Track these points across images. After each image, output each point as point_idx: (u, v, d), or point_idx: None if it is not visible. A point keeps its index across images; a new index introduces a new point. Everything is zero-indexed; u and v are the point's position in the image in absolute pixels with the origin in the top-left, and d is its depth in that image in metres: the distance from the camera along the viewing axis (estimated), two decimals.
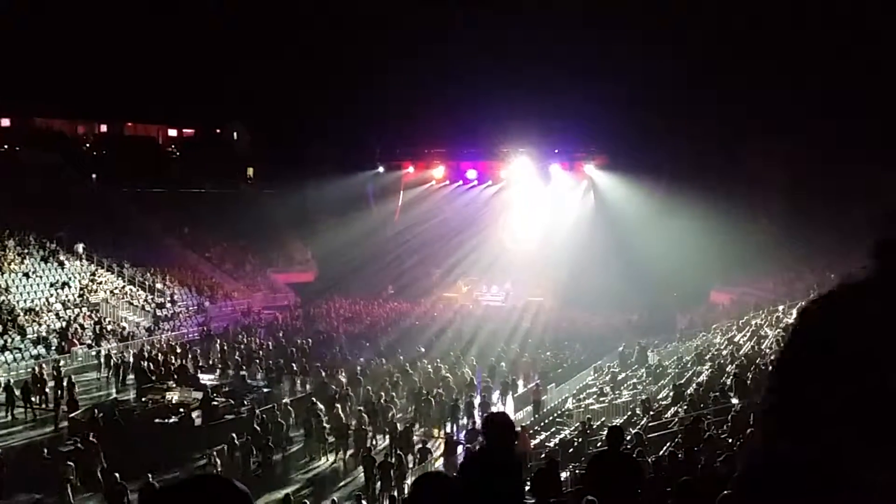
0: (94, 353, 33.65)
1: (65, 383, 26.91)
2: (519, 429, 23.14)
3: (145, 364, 29.90)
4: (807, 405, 1.28)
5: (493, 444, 4.87)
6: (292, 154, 54.27)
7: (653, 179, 46.11)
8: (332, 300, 46.65)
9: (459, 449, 21.91)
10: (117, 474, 17.81)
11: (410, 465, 20.57)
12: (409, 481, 19.83)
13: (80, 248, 41.95)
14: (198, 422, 23.74)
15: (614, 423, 18.64)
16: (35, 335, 33.51)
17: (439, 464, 21.08)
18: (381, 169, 54.20)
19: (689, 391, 22.83)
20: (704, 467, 10.72)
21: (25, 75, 50.10)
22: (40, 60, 50.10)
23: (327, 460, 22.78)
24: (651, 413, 21.58)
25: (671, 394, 23.39)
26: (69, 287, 38.88)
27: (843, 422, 1.23)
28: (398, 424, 23.32)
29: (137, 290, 41.70)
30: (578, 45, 45.84)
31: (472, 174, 53.27)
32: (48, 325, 34.78)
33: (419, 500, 2.71)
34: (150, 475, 17.10)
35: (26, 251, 39.68)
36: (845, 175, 40.07)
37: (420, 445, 21.86)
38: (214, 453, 20.16)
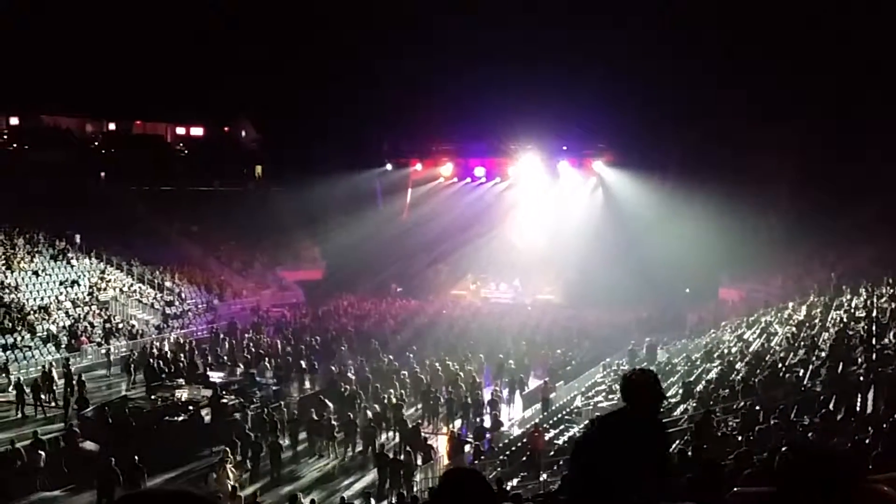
0: (103, 352, 33.78)
1: (74, 381, 27.06)
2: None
3: (155, 362, 29.97)
4: None
5: (633, 406, 4.14)
6: (300, 152, 54.27)
7: (661, 176, 45.95)
8: (340, 298, 46.71)
9: (466, 447, 21.92)
10: (113, 459, 18.08)
11: (419, 463, 20.62)
12: (417, 479, 19.88)
13: (77, 238, 42.14)
14: (207, 419, 23.81)
15: None
16: (45, 333, 33.68)
17: (446, 461, 21.08)
18: (388, 166, 54.18)
19: (698, 388, 22.77)
20: (714, 464, 10.65)
21: (33, 74, 50.22)
22: (48, 59, 50.20)
23: (336, 458, 22.80)
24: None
25: (680, 391, 23.31)
26: (79, 285, 39.04)
27: None
28: (407, 422, 23.35)
29: (146, 288, 41.85)
30: (585, 41, 45.64)
31: (480, 171, 53.18)
32: (58, 324, 34.93)
33: (451, 495, 2.67)
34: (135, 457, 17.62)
35: (35, 250, 39.88)
36: (854, 171, 39.90)
37: (427, 442, 21.88)
38: (225, 450, 20.17)
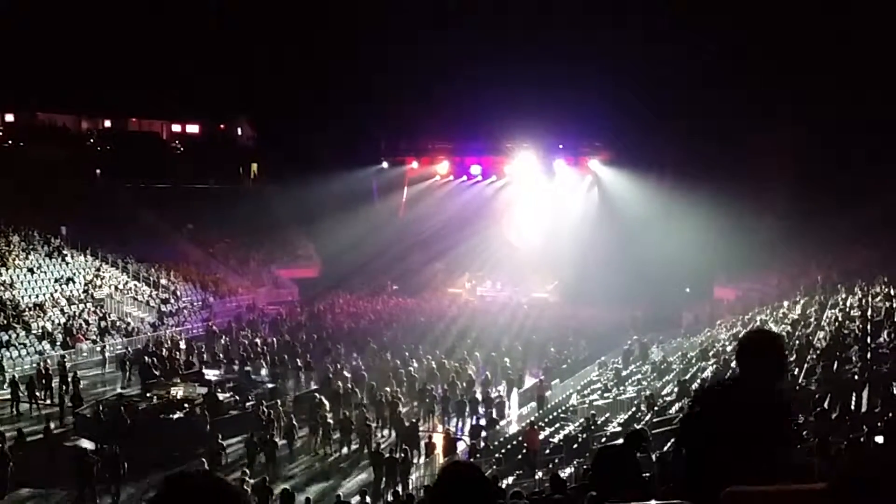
0: (98, 349, 33.72)
1: (69, 379, 27.01)
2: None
3: (150, 360, 29.91)
4: None
5: (750, 373, 3.53)
6: (296, 150, 54.21)
7: (657, 175, 46.00)
8: (336, 296, 46.69)
9: (460, 445, 21.93)
10: (89, 448, 18.07)
11: (415, 461, 20.62)
12: (413, 477, 19.89)
13: (63, 230, 42.05)
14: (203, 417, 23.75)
15: (635, 428, 18.55)
16: (40, 331, 33.60)
17: (442, 460, 21.07)
18: (384, 164, 54.13)
19: (693, 387, 22.81)
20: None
21: (29, 71, 50.07)
22: (44, 56, 50.07)
23: (331, 455, 22.79)
24: (655, 409, 21.57)
25: (675, 390, 23.36)
26: (74, 283, 38.97)
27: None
28: (404, 420, 23.34)
29: (142, 286, 41.77)
30: (582, 39, 45.64)
31: (476, 169, 53.16)
32: (53, 321, 34.85)
33: (449, 490, 2.66)
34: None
35: (31, 247, 39.77)
36: (850, 171, 39.97)
37: (426, 441, 21.89)
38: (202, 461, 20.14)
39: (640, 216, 44.52)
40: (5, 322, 32.87)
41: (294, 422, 23.04)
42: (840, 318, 26.59)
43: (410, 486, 19.35)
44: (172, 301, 41.48)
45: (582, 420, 22.99)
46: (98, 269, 41.01)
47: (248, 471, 18.98)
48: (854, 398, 16.18)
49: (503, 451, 21.18)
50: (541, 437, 21.83)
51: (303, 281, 50.35)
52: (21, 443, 20.30)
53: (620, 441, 8.67)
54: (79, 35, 50.45)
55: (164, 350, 32.36)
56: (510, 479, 18.48)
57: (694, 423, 3.69)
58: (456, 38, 47.69)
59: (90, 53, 51.20)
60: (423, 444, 21.70)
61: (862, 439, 11.36)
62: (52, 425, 21.95)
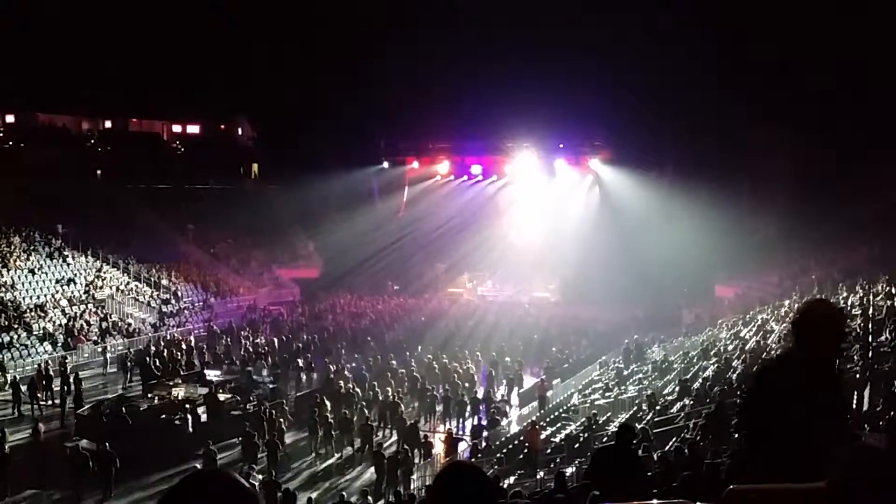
0: (99, 350, 33.72)
1: (71, 380, 27.03)
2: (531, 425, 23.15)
3: (151, 360, 29.92)
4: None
5: (808, 346, 3.39)
6: (297, 150, 54.21)
7: (658, 174, 45.98)
8: (336, 296, 46.73)
9: (461, 445, 21.93)
10: (82, 444, 18.50)
11: (416, 461, 20.63)
12: (414, 476, 19.89)
13: (59, 227, 42.09)
14: (203, 418, 23.78)
15: (623, 421, 18.63)
16: (41, 332, 33.62)
17: (443, 459, 21.08)
18: (385, 164, 54.10)
19: (694, 386, 22.82)
20: (710, 462, 10.69)
21: (29, 71, 50.09)
22: (44, 56, 50.08)
23: (332, 455, 22.80)
24: (657, 408, 21.58)
25: (677, 389, 23.36)
26: (75, 283, 38.99)
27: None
28: (406, 420, 23.35)
29: (143, 286, 41.81)
30: (581, 38, 45.58)
31: (476, 169, 53.11)
32: (54, 322, 34.87)
33: (449, 489, 2.65)
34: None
35: (32, 248, 39.79)
36: (850, 168, 39.94)
37: (425, 440, 21.89)
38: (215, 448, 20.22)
39: (641, 215, 44.51)
40: (6, 323, 32.90)
41: (284, 426, 22.99)
42: None
43: (412, 486, 19.36)
44: (173, 301, 41.52)
45: (583, 419, 22.99)
46: (99, 270, 41.04)
47: (255, 466, 19.06)
48: (855, 397, 16.17)
49: (504, 450, 21.19)
50: (542, 436, 21.83)
51: (304, 281, 50.40)
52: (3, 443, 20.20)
53: (613, 442, 8.67)
54: (79, 35, 50.44)
55: (165, 350, 32.38)
56: (511, 479, 18.49)
57: (757, 402, 3.55)
58: (456, 38, 47.64)
59: (90, 53, 51.19)
60: (422, 443, 21.72)
61: (863, 438, 11.35)
62: (42, 427, 21.84)
